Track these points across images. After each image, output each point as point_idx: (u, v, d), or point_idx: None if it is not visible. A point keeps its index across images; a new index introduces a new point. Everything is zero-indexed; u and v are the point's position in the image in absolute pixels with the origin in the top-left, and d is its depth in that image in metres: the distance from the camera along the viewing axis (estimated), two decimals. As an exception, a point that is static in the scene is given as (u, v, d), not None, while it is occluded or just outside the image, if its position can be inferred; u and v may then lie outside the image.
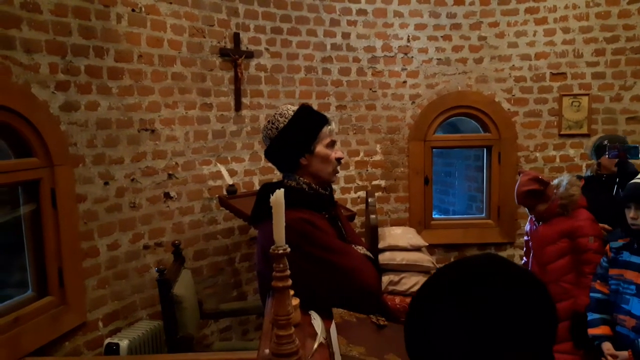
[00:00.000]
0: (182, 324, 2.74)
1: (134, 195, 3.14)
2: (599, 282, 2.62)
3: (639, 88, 4.33)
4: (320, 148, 1.85)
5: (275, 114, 1.89)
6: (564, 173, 3.53)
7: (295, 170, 1.87)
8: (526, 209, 3.09)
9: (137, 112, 3.14)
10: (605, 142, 3.21)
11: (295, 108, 1.90)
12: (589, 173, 3.40)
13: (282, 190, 1.27)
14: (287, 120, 1.85)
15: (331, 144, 1.88)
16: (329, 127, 1.88)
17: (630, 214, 2.46)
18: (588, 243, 2.79)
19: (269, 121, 1.89)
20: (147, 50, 3.19)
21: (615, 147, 2.98)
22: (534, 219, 3.07)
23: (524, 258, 3.26)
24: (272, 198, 1.25)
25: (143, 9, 3.15)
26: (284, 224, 1.27)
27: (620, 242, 2.55)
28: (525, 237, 3.22)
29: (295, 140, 1.84)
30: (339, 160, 1.91)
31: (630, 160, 3.02)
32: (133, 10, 3.09)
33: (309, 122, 1.87)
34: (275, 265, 1.27)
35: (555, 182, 2.97)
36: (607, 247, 2.62)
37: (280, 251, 1.25)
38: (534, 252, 3.03)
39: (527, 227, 3.18)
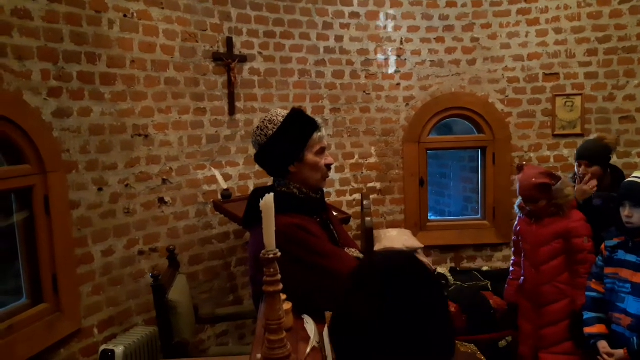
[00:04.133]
0: (177, 329, 2.73)
1: (128, 201, 3.14)
2: (595, 281, 2.63)
3: (632, 87, 4.34)
4: (309, 156, 1.84)
5: (264, 119, 1.87)
6: (558, 172, 3.52)
7: (285, 176, 1.86)
8: (517, 206, 3.08)
9: (130, 117, 3.14)
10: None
11: (285, 113, 1.88)
12: (570, 176, 3.41)
13: (272, 194, 1.27)
14: (275, 128, 1.83)
15: (320, 151, 1.86)
16: (319, 133, 1.86)
17: (624, 212, 2.47)
18: (583, 243, 2.80)
19: (257, 127, 1.88)
20: (139, 56, 3.19)
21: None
22: (522, 217, 3.04)
23: (513, 258, 3.24)
24: (262, 203, 1.25)
25: (135, 15, 3.15)
26: (274, 228, 1.27)
27: (615, 241, 2.56)
28: (514, 237, 3.19)
29: (283, 149, 1.82)
30: (328, 166, 1.89)
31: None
32: (125, 15, 3.09)
33: (297, 129, 1.84)
34: (265, 270, 1.27)
35: None
36: (603, 246, 2.63)
37: (271, 256, 1.25)
38: (527, 253, 3.00)
39: (517, 227, 3.14)
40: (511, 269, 3.25)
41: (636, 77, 4.32)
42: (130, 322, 3.14)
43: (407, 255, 0.99)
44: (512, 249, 3.27)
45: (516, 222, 3.17)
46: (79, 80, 2.82)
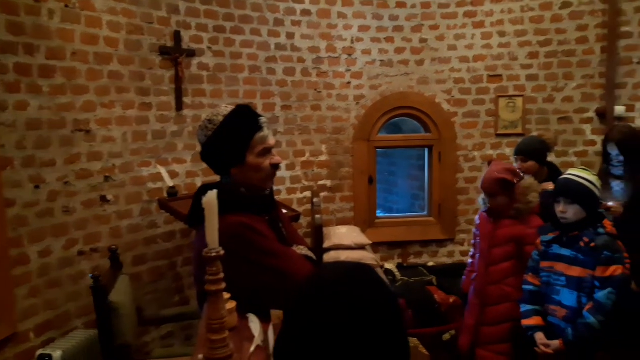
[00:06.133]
0: (119, 332, 2.64)
1: (68, 199, 3.01)
2: (531, 274, 2.72)
3: (570, 89, 4.55)
4: (250, 158, 1.77)
5: (206, 118, 1.80)
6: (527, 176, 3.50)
7: (230, 175, 1.82)
8: (481, 199, 3.09)
9: (70, 112, 3.01)
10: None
11: (226, 112, 1.78)
12: None
13: (215, 191, 1.25)
14: (215, 128, 1.76)
15: (264, 152, 1.79)
16: (261, 134, 1.78)
17: (559, 208, 2.56)
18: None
19: (200, 126, 1.81)
20: (81, 48, 3.06)
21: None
22: (484, 214, 3.04)
23: (472, 250, 3.27)
24: (204, 200, 1.23)
25: (77, 5, 3.02)
26: (218, 226, 1.25)
27: (550, 236, 2.66)
28: (474, 230, 3.21)
29: (223, 151, 1.76)
30: (275, 166, 1.83)
31: None
32: (66, 6, 2.96)
33: (237, 131, 1.76)
34: (208, 269, 1.24)
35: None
36: (538, 240, 2.72)
37: (213, 254, 1.23)
38: (481, 251, 3.02)
39: (477, 220, 3.16)
40: (469, 260, 3.28)
41: (574, 80, 4.53)
42: (70, 326, 3.01)
43: (360, 267, 0.97)
44: (472, 241, 3.29)
45: (477, 216, 3.19)
46: (15, 72, 2.68)
